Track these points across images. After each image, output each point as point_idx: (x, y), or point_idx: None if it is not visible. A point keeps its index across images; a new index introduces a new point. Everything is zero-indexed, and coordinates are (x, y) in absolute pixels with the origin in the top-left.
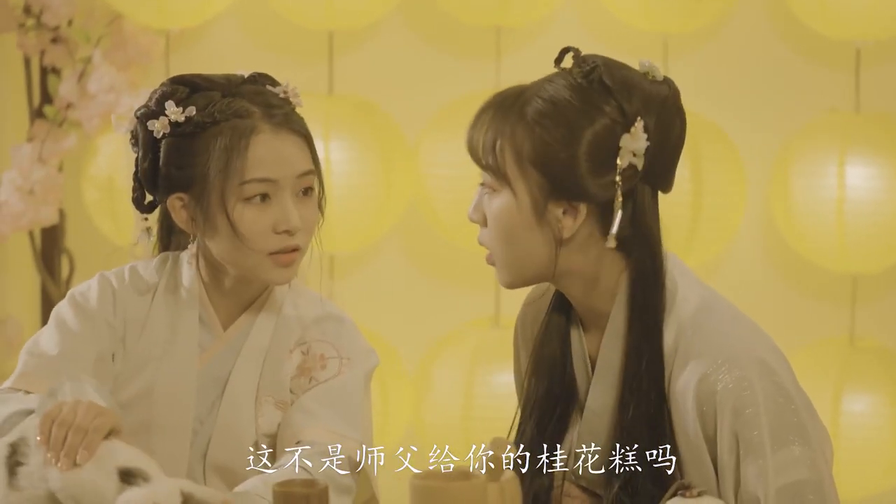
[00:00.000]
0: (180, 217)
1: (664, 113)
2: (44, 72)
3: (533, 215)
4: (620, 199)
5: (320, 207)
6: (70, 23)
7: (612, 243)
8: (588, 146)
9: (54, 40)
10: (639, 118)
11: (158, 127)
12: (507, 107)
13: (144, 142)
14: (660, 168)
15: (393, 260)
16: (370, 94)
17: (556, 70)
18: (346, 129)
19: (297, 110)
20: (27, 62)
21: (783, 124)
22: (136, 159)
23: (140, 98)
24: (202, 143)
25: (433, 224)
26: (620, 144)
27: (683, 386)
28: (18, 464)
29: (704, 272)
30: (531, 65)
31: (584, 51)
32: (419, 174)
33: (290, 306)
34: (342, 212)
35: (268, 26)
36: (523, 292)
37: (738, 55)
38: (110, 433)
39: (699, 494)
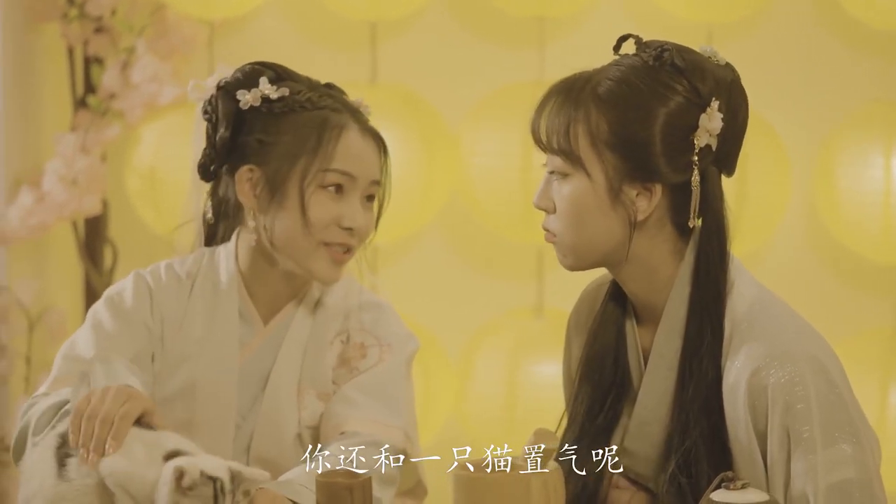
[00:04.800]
0: (243, 189)
1: (733, 95)
2: (87, 62)
3: (608, 197)
4: (699, 178)
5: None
6: (113, 13)
7: (695, 222)
8: (663, 126)
9: (97, 30)
10: (714, 98)
11: (249, 98)
12: (577, 91)
13: (226, 111)
14: (728, 150)
15: (435, 249)
16: (413, 84)
17: (617, 56)
18: (388, 119)
19: None
20: (70, 52)
21: (828, 114)
22: (208, 128)
23: (182, 87)
24: (290, 123)
25: (475, 213)
26: (699, 123)
27: (735, 380)
28: (68, 455)
29: (748, 262)
30: (574, 54)
31: None
32: (461, 164)
33: (329, 296)
34: None
35: (311, 16)
36: (567, 283)
37: (783, 44)
38: (142, 416)
39: (743, 486)
